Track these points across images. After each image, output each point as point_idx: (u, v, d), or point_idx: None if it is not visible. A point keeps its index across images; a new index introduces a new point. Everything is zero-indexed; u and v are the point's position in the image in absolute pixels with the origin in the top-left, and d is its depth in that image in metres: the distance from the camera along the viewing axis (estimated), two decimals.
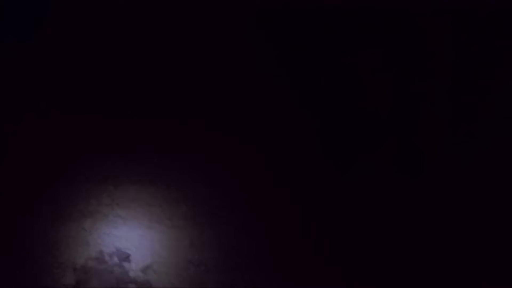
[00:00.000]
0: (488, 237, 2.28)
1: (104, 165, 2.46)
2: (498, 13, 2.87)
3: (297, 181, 2.46)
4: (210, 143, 2.55)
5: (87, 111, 2.62)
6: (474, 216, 2.35)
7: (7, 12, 2.90)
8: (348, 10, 2.91)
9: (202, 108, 2.67)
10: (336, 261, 2.22)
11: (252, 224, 2.31)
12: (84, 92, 2.69)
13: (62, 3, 2.94)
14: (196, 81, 2.76)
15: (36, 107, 2.63)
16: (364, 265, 2.20)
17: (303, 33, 2.89)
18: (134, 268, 2.16)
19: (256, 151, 2.54)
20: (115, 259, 2.18)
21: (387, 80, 2.76)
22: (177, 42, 2.86)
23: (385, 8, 2.90)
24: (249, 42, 2.85)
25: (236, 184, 2.43)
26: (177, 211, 2.33)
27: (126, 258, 2.18)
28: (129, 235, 2.25)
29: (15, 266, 2.15)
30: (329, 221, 2.33)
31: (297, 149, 2.56)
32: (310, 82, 2.77)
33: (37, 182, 2.40)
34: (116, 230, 2.26)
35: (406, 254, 2.23)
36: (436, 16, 2.88)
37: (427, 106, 2.69)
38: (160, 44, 2.85)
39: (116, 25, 2.89)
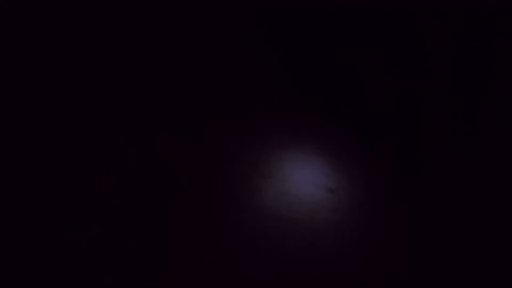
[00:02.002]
0: (488, 237, 2.28)
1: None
2: (498, 13, 2.87)
3: (297, 180, 2.46)
4: (209, 143, 2.55)
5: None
6: (475, 216, 2.35)
7: None
8: (348, 10, 2.91)
9: (201, 109, 2.67)
10: (335, 261, 2.22)
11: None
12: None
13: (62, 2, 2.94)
14: (195, 81, 2.75)
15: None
16: (363, 265, 2.20)
17: (303, 33, 2.89)
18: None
19: (255, 151, 2.54)
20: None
21: (387, 80, 2.76)
22: (176, 42, 2.86)
23: (385, 8, 2.90)
24: (249, 42, 2.85)
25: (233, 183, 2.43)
26: None
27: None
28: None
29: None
30: (328, 221, 2.33)
31: (297, 148, 2.56)
32: (310, 82, 2.77)
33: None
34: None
35: (405, 254, 2.23)
36: (436, 16, 2.88)
37: (427, 106, 2.69)
38: (159, 44, 2.85)
39: (115, 25, 2.89)
